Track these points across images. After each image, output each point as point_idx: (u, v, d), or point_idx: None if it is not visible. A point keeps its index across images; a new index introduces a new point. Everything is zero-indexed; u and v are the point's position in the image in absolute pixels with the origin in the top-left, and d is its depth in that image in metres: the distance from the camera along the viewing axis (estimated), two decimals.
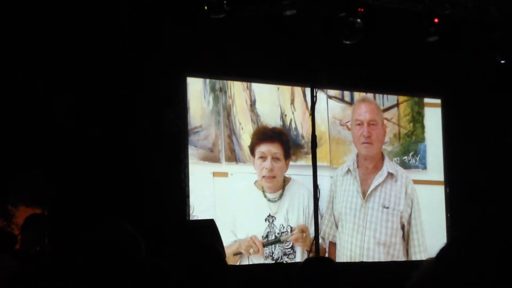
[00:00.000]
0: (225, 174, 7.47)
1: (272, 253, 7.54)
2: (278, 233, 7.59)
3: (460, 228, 8.30)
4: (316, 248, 6.12)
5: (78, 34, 6.69)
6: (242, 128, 7.59)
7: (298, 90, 7.91)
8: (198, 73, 7.49)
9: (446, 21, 7.81)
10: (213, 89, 7.53)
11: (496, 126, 8.73)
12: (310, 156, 6.45)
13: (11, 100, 6.48)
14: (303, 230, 7.64)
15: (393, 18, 7.85)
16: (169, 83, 7.25)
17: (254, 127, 7.66)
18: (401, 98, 8.51)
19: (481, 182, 8.44)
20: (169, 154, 7.18)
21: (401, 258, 8.01)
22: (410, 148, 8.46)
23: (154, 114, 7.10)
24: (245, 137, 7.59)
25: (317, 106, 6.20)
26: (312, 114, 6.17)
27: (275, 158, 7.61)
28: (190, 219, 7.11)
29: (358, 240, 7.89)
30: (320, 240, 6.79)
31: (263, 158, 7.58)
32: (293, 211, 7.66)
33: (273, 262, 7.48)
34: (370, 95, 8.31)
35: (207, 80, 7.51)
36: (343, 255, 7.82)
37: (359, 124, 8.09)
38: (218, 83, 7.56)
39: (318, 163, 6.27)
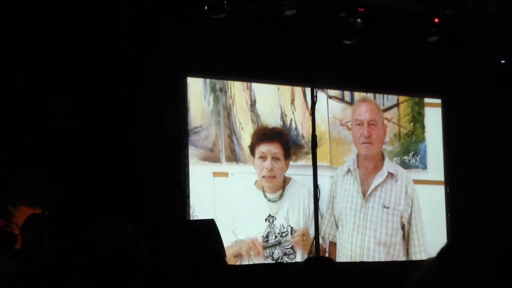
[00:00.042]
0: (225, 174, 7.46)
1: (272, 253, 7.54)
2: (279, 233, 7.58)
3: (460, 228, 8.30)
4: (316, 248, 6.12)
5: (78, 34, 6.69)
6: (242, 128, 7.59)
7: (298, 90, 7.91)
8: (198, 73, 7.49)
9: (446, 21, 7.80)
10: (213, 89, 7.52)
11: (496, 126, 8.74)
12: (310, 156, 6.45)
13: (11, 100, 6.48)
14: (304, 233, 7.64)
15: (393, 18, 7.85)
16: (169, 83, 7.25)
17: (254, 127, 7.65)
18: (401, 98, 8.51)
19: (481, 182, 8.44)
20: (169, 154, 7.18)
21: (401, 258, 8.01)
22: (410, 148, 8.46)
23: (154, 114, 7.10)
24: (246, 137, 7.59)
25: (317, 106, 6.20)
26: (312, 114, 6.17)
27: (275, 158, 7.61)
28: (190, 219, 7.11)
29: (358, 240, 7.89)
30: (320, 240, 6.79)
31: (263, 158, 7.57)
32: (293, 211, 7.66)
33: (273, 262, 7.48)
34: (370, 95, 8.31)
35: (207, 80, 7.51)
36: (343, 255, 7.82)
37: (359, 124, 8.09)
38: (218, 83, 7.56)
39: (318, 163, 6.27)
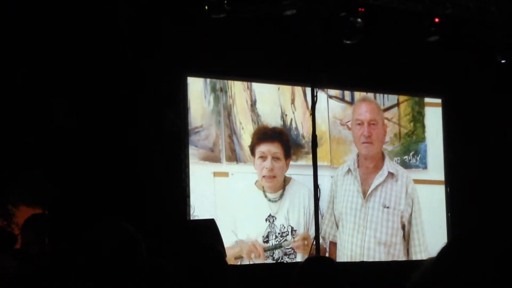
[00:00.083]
0: (225, 174, 7.46)
1: (273, 253, 7.54)
2: (279, 233, 7.58)
3: (460, 227, 8.30)
4: (316, 248, 6.12)
5: (78, 34, 6.69)
6: (242, 128, 7.59)
7: (298, 90, 7.91)
8: (199, 73, 7.49)
9: (446, 21, 7.80)
10: (213, 89, 7.52)
11: (496, 126, 8.74)
12: (310, 155, 6.45)
13: (11, 100, 6.48)
14: (305, 238, 7.63)
15: (393, 17, 7.85)
16: (170, 83, 7.25)
17: (254, 127, 7.65)
18: (402, 98, 8.51)
19: (481, 182, 8.44)
20: (169, 154, 7.18)
21: (402, 257, 8.01)
22: (411, 147, 8.46)
23: (154, 114, 7.10)
24: (246, 137, 7.59)
25: (317, 105, 6.20)
26: (313, 113, 6.17)
27: (275, 158, 7.61)
28: (191, 219, 7.11)
29: (359, 240, 7.89)
30: (321, 240, 6.79)
31: (263, 158, 7.57)
32: (294, 211, 7.66)
33: (274, 262, 7.48)
34: (370, 95, 8.31)
35: (208, 80, 7.51)
36: (344, 255, 7.82)
37: (359, 124, 8.09)
38: (219, 83, 7.56)
39: (319, 163, 6.27)
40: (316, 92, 6.07)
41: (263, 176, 7.56)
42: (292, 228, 7.64)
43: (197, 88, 7.45)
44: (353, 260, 7.78)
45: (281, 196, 7.63)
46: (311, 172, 6.13)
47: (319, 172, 6.19)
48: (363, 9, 7.45)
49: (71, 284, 2.17)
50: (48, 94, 6.63)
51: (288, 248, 7.60)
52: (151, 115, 7.08)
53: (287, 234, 7.62)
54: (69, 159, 6.62)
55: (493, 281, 1.38)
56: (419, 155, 8.47)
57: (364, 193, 7.99)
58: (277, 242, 7.56)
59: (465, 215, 8.30)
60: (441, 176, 8.54)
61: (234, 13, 7.06)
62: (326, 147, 7.91)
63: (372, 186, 8.01)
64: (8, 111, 6.47)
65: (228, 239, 7.03)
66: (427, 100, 8.66)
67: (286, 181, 7.68)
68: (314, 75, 6.37)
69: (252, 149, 7.57)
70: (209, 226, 5.71)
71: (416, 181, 8.27)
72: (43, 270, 3.45)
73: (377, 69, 8.11)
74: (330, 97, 8.06)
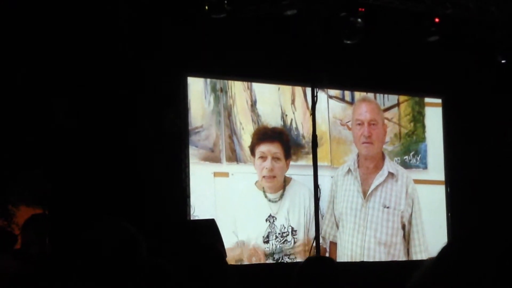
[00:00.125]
0: (226, 174, 7.46)
1: (273, 253, 7.54)
2: (279, 233, 7.58)
3: (460, 227, 8.30)
4: (316, 248, 6.12)
5: (78, 34, 6.69)
6: (243, 128, 7.59)
7: (298, 90, 7.90)
8: (199, 73, 7.49)
9: (446, 21, 7.80)
10: (214, 89, 7.52)
11: (496, 126, 8.74)
12: (310, 156, 6.45)
13: (11, 100, 6.47)
14: (306, 243, 7.62)
15: (393, 18, 7.85)
16: (170, 83, 7.25)
17: (254, 127, 7.65)
18: (402, 98, 8.50)
19: (481, 182, 8.44)
20: (169, 154, 7.18)
21: (402, 258, 8.01)
22: (411, 147, 8.46)
23: (154, 114, 7.10)
24: (246, 137, 7.59)
25: (317, 106, 6.20)
26: (313, 114, 6.17)
27: (275, 158, 7.61)
28: (191, 219, 7.11)
29: (359, 240, 7.89)
30: (321, 240, 6.79)
31: (263, 158, 7.57)
32: (294, 211, 7.65)
33: (274, 262, 7.48)
34: (370, 95, 8.31)
35: (208, 80, 7.51)
36: (344, 255, 7.82)
37: (359, 124, 8.09)
38: (219, 83, 7.55)
39: (319, 163, 6.27)
40: (316, 92, 6.07)
41: (263, 176, 7.56)
42: (292, 228, 7.64)
43: (197, 88, 7.45)
44: (353, 260, 7.77)
45: (281, 196, 7.63)
46: (311, 172, 6.13)
47: (319, 172, 6.19)
48: (363, 9, 7.45)
49: (71, 284, 2.17)
50: (48, 94, 6.63)
51: (289, 254, 7.59)
52: (151, 115, 7.07)
53: (288, 235, 7.61)
54: (69, 159, 6.62)
55: (494, 281, 1.38)
56: (419, 155, 8.47)
57: (364, 193, 7.99)
58: (278, 243, 7.55)
59: (465, 215, 8.30)
60: (441, 176, 8.54)
61: (234, 13, 7.06)
62: (326, 147, 7.91)
63: (372, 186, 8.01)
64: (8, 111, 6.47)
65: (228, 240, 7.03)
66: (427, 100, 8.66)
67: (286, 181, 7.68)
68: (314, 75, 6.37)
69: (252, 149, 7.57)
70: (209, 226, 5.70)
71: (416, 181, 8.27)
72: (43, 270, 3.45)
73: (377, 69, 8.11)
74: (330, 97, 8.06)
